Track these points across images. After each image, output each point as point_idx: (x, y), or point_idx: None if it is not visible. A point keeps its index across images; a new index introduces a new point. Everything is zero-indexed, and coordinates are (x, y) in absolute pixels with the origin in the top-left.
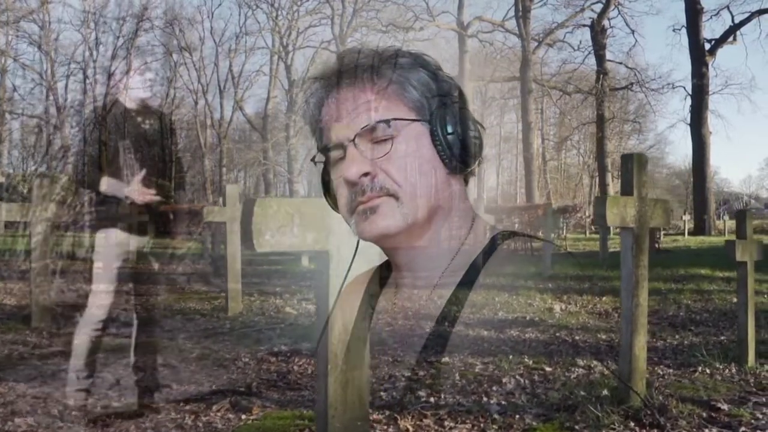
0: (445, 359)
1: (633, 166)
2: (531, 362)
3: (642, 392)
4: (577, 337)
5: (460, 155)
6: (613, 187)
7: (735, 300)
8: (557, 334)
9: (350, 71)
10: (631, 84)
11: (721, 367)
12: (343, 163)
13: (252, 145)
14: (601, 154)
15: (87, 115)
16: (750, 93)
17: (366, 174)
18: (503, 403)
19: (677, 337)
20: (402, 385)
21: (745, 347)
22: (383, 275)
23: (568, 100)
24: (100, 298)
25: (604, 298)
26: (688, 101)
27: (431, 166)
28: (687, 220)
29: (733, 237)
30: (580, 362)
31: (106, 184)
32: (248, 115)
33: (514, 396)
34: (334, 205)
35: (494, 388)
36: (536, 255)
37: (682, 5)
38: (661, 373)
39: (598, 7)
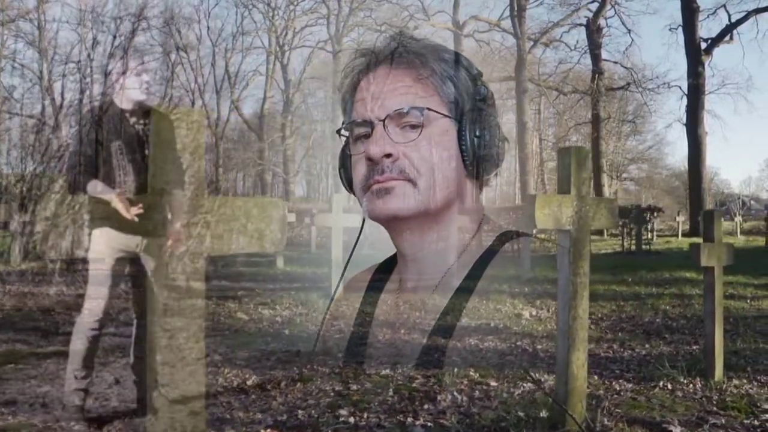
0: (386, 372)
1: (571, 161)
2: (477, 375)
3: (580, 416)
4: (539, 347)
5: (480, 160)
6: (609, 187)
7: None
8: (518, 343)
9: (398, 53)
10: (628, 84)
11: (685, 381)
12: (368, 141)
13: (250, 146)
14: (596, 154)
15: (83, 115)
16: (747, 93)
17: (388, 155)
18: (429, 424)
19: (647, 346)
20: (326, 402)
21: (712, 360)
22: (382, 276)
23: (564, 100)
24: (96, 297)
25: None
26: (684, 101)
27: (452, 163)
28: (681, 221)
29: (730, 239)
30: (532, 376)
31: (94, 188)
32: (244, 116)
33: (445, 415)
34: (348, 184)
35: (426, 406)
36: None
37: (679, 4)
38: (618, 388)
39: (595, 7)
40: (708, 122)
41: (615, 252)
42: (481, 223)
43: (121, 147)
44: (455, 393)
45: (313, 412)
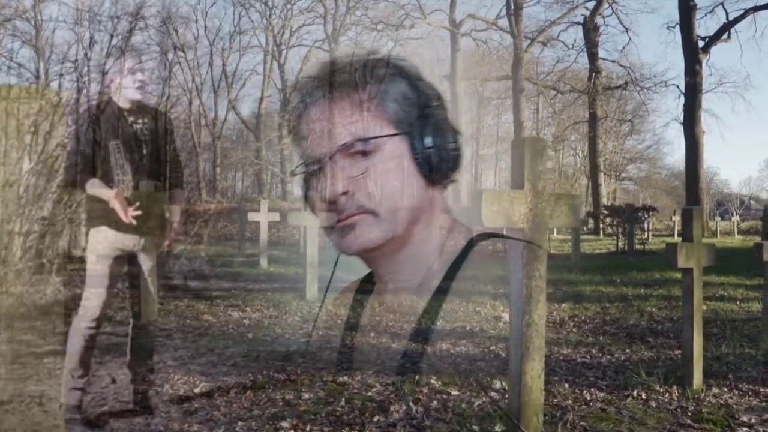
0: (343, 379)
1: (524, 153)
2: (439, 384)
3: (536, 431)
4: None
5: (439, 167)
6: (606, 187)
7: (704, 307)
8: (492, 348)
9: (328, 85)
10: (626, 83)
11: (661, 390)
12: (321, 181)
13: (247, 145)
14: (593, 153)
15: (81, 115)
16: (744, 92)
17: (344, 193)
18: None
19: (627, 351)
20: (270, 413)
21: (690, 367)
22: (368, 285)
23: (562, 99)
24: (94, 296)
25: (563, 305)
26: (682, 100)
27: (411, 179)
28: (677, 221)
29: (727, 239)
30: (496, 384)
31: (93, 186)
32: (242, 115)
33: (395, 429)
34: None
35: (376, 418)
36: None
37: (676, 2)
38: (588, 398)
39: (592, 5)
40: (706, 121)
41: (609, 252)
42: (451, 227)
43: (118, 146)
44: (410, 403)
45: (253, 424)
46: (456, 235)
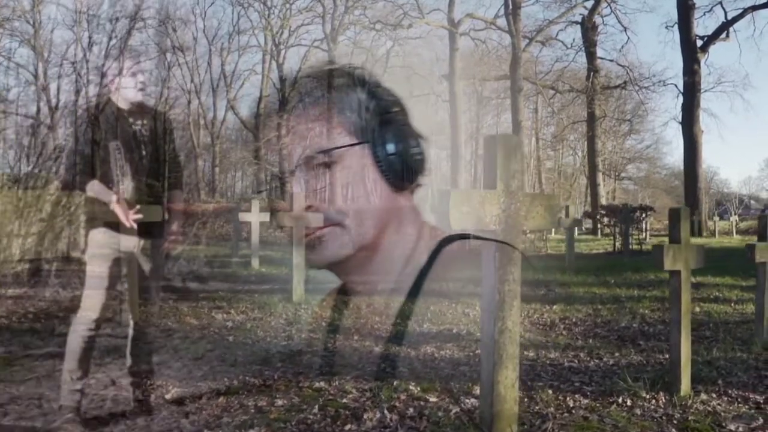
0: (320, 384)
1: (497, 151)
2: (418, 390)
3: None
4: None
5: (403, 173)
6: (605, 186)
7: (697, 309)
8: (477, 352)
9: (291, 99)
10: (625, 83)
11: (647, 396)
12: (287, 196)
13: (246, 145)
14: (591, 152)
15: (80, 115)
16: (743, 91)
17: (308, 207)
18: None
19: (617, 354)
20: (240, 421)
21: (678, 373)
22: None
23: (561, 98)
24: (93, 298)
25: (554, 307)
26: (680, 99)
27: (376, 187)
28: None
29: (725, 239)
30: (477, 390)
31: (93, 188)
32: (240, 115)
33: None
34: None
35: (348, 426)
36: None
37: (675, 1)
38: (571, 404)
39: (590, 4)
40: (704, 121)
41: (606, 252)
42: (420, 231)
43: (118, 147)
44: (385, 411)
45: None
46: (426, 239)
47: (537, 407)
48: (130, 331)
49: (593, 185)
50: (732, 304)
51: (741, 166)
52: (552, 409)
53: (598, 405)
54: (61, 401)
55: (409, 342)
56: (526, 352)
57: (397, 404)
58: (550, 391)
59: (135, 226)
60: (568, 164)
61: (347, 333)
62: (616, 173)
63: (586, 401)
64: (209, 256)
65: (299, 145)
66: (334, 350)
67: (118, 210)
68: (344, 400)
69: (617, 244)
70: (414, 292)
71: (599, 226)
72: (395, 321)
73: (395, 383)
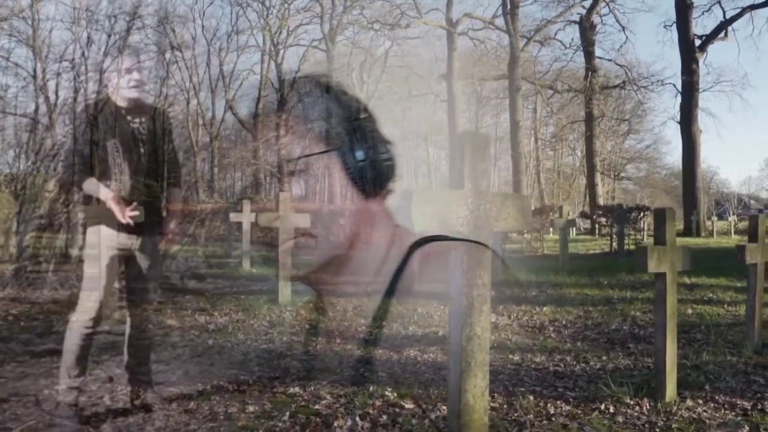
0: (294, 390)
1: (465, 149)
2: (394, 396)
3: None
4: None
5: (373, 179)
6: (604, 186)
7: (689, 311)
8: None
9: (289, 99)
10: (624, 82)
11: (631, 402)
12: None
13: (246, 145)
14: (589, 152)
15: (78, 114)
16: (742, 91)
17: (278, 218)
18: None
19: (604, 358)
20: (207, 428)
21: (663, 379)
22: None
23: (559, 98)
24: (91, 296)
25: (544, 309)
26: (679, 99)
27: (346, 194)
28: None
29: (723, 239)
30: (418, 401)
31: (90, 186)
32: (239, 115)
33: None
34: None
35: None
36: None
37: (673, 1)
38: (552, 411)
39: (588, 4)
40: (703, 120)
41: (603, 253)
42: (392, 236)
43: (116, 145)
44: (357, 418)
45: None
46: (398, 243)
47: (516, 414)
48: (128, 329)
49: (591, 185)
50: (725, 306)
51: (741, 165)
52: (531, 417)
53: (579, 412)
54: (59, 398)
55: (393, 345)
56: (511, 356)
57: (370, 411)
58: (531, 397)
59: (132, 223)
60: (568, 164)
61: (330, 336)
62: (616, 173)
63: (567, 408)
64: (202, 257)
65: (268, 155)
66: (314, 354)
67: (114, 207)
68: (317, 407)
69: (614, 244)
70: (388, 294)
71: (597, 226)
72: (374, 324)
73: (371, 389)
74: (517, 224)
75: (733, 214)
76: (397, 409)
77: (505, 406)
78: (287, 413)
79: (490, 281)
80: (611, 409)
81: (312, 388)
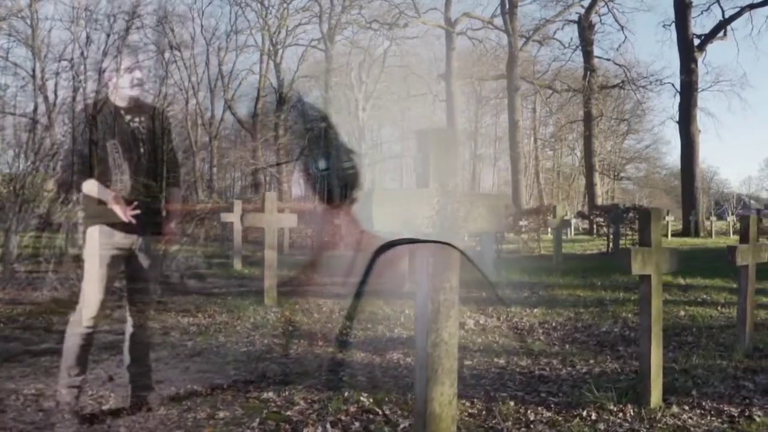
0: (268, 395)
1: (430, 146)
2: (369, 401)
3: None
4: (468, 362)
5: (337, 188)
6: (602, 186)
7: (682, 313)
8: None
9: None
10: (623, 82)
11: (614, 408)
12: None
13: (245, 145)
14: (588, 152)
15: (77, 114)
16: (741, 90)
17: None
18: None
19: (591, 362)
20: None
21: (648, 384)
22: None
23: (558, 97)
24: (91, 295)
25: (535, 311)
26: (677, 98)
27: (311, 204)
28: (670, 221)
29: (721, 239)
30: (383, 410)
31: (90, 187)
32: (238, 114)
33: None
34: None
35: None
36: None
37: (672, 0)
38: (532, 418)
39: (587, 3)
40: (702, 120)
41: (600, 253)
42: (359, 241)
43: (116, 145)
44: (328, 426)
45: None
46: (365, 248)
47: (494, 421)
48: (128, 329)
49: (590, 185)
50: (719, 308)
51: (741, 165)
52: (509, 424)
53: (560, 419)
54: (59, 398)
55: (376, 348)
56: (496, 359)
57: (343, 418)
58: (512, 403)
59: (134, 221)
60: (567, 164)
61: (313, 338)
62: (615, 173)
63: (548, 414)
64: (201, 256)
65: (237, 166)
66: (295, 356)
67: (116, 208)
68: (288, 413)
69: (611, 244)
70: (357, 299)
71: (595, 226)
72: (349, 325)
73: (347, 394)
74: (488, 225)
75: (732, 214)
76: (371, 416)
77: (484, 412)
78: (257, 419)
79: (458, 285)
80: (593, 416)
81: (287, 392)
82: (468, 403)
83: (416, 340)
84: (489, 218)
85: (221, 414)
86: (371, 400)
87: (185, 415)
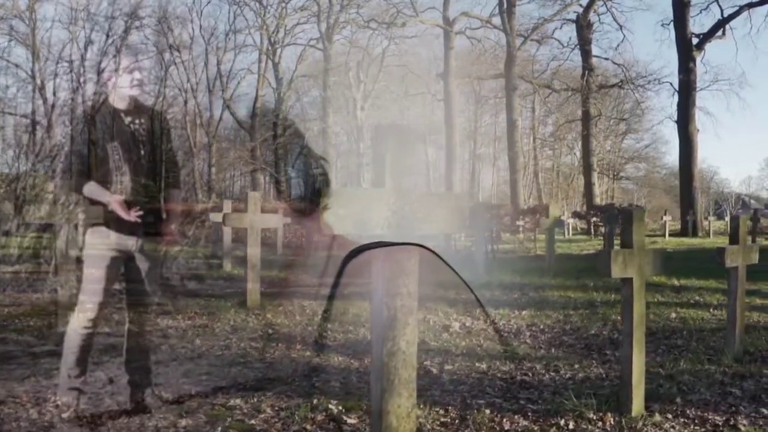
0: (235, 401)
1: (388, 144)
2: (339, 409)
3: None
4: (448, 367)
5: (305, 195)
6: (601, 186)
7: (673, 315)
8: (425, 363)
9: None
10: (622, 81)
11: (594, 417)
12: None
13: (244, 145)
14: (586, 151)
15: (76, 115)
16: (739, 89)
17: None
18: None
19: (576, 366)
20: None
21: (629, 392)
22: None
23: (557, 97)
24: (91, 297)
25: (523, 313)
26: (676, 98)
27: (283, 212)
28: (668, 221)
29: (719, 239)
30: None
31: (90, 190)
32: (237, 114)
33: None
34: None
35: None
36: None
37: None
38: (507, 427)
39: (585, 2)
40: (701, 120)
41: (597, 253)
42: (330, 246)
43: (116, 147)
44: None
45: None
46: (337, 244)
47: (467, 431)
48: (127, 331)
49: (588, 184)
50: (711, 310)
51: (740, 165)
52: None
53: (536, 428)
54: (59, 399)
55: (355, 352)
56: (478, 364)
57: (308, 427)
58: (488, 411)
59: (139, 220)
60: (566, 164)
61: (292, 341)
62: (615, 173)
63: (525, 423)
64: (188, 257)
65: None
66: (270, 361)
67: (118, 209)
68: (253, 421)
69: (606, 244)
70: (330, 302)
71: (592, 226)
72: (323, 328)
73: (315, 401)
74: (448, 226)
75: (731, 213)
76: (338, 425)
77: (458, 420)
78: (219, 429)
79: (416, 290)
80: (571, 425)
81: (255, 399)
82: (442, 411)
83: (372, 350)
84: (449, 219)
85: (183, 422)
86: (340, 408)
87: (147, 422)
